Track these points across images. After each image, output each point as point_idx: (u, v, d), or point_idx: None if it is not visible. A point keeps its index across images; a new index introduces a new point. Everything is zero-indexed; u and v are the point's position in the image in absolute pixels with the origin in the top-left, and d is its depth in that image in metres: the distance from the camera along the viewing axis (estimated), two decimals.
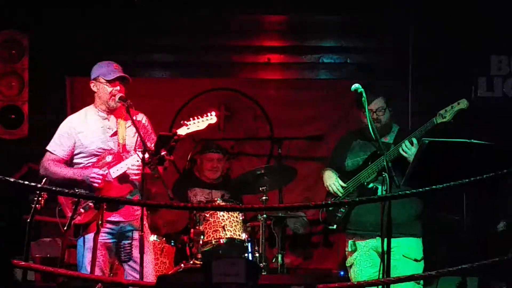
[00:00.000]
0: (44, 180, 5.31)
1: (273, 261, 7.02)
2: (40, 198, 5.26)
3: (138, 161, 5.35)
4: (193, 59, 8.42)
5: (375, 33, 8.17)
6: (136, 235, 5.50)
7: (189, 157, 7.70)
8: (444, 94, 7.32)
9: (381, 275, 4.91)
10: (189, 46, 8.34)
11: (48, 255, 7.26)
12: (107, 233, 5.50)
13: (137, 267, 5.31)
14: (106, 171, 5.44)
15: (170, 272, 6.57)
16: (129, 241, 5.58)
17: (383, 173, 5.04)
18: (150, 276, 5.50)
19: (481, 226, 7.17)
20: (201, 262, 6.37)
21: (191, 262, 6.49)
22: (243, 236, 6.56)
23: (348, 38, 8.38)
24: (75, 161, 5.60)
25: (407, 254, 5.57)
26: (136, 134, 5.56)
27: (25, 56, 7.92)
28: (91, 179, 5.39)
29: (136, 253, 5.45)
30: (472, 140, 4.64)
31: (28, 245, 5.20)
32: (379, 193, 5.50)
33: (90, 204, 5.33)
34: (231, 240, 6.49)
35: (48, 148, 5.61)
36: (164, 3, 8.04)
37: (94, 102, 5.69)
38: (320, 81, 8.58)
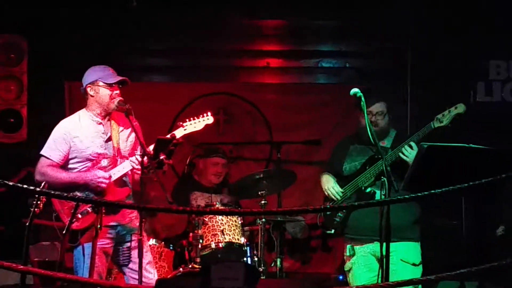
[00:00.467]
0: (43, 184, 5.29)
1: (272, 265, 7.02)
2: (39, 202, 5.23)
3: (137, 159, 5.35)
4: (191, 63, 8.43)
5: (374, 37, 8.16)
6: (133, 237, 5.51)
7: (187, 161, 7.69)
8: (442, 98, 7.33)
9: (379, 280, 4.91)
10: (188, 50, 8.35)
11: (47, 259, 7.24)
12: (106, 238, 5.49)
13: (137, 268, 5.31)
14: (109, 174, 5.44)
15: (169, 276, 6.56)
16: (127, 245, 5.57)
17: (381, 177, 5.04)
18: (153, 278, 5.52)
19: (480, 230, 7.16)
20: (200, 266, 6.36)
21: (190, 266, 6.48)
22: (242, 240, 6.56)
23: (346, 43, 8.38)
24: (69, 166, 5.55)
25: (405, 258, 5.57)
26: (129, 138, 5.62)
27: (24, 60, 7.91)
28: (98, 182, 5.38)
29: (134, 255, 5.45)
30: (471, 145, 4.64)
31: (27, 249, 5.18)
32: (377, 197, 5.50)
33: (88, 209, 5.32)
34: (230, 244, 6.48)
35: (43, 153, 5.54)
36: (162, 7, 8.04)
37: (87, 106, 5.65)
38: (319, 85, 8.60)
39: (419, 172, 4.75)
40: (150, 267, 5.60)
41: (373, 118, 5.61)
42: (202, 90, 8.58)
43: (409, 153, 5.41)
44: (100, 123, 5.60)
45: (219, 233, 6.48)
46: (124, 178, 5.58)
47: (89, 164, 5.52)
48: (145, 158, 5.24)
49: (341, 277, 7.50)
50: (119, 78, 5.56)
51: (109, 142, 5.59)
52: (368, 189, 5.65)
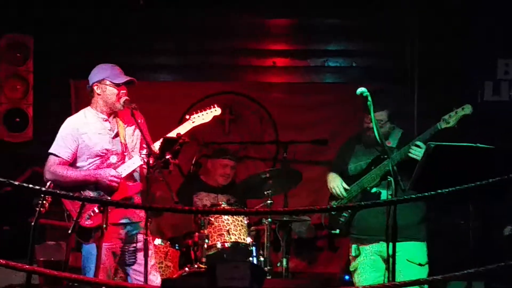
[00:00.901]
0: (48, 184, 5.27)
1: (278, 265, 7.01)
2: (44, 202, 5.22)
3: (144, 154, 5.33)
4: (198, 62, 8.42)
5: (381, 36, 8.15)
6: (140, 238, 5.49)
7: (193, 161, 7.67)
8: (450, 97, 7.31)
9: (385, 280, 4.89)
10: (194, 49, 8.34)
11: (52, 259, 7.23)
12: (116, 238, 5.44)
13: (142, 270, 5.28)
14: (120, 172, 5.42)
15: (174, 276, 6.55)
16: (134, 245, 5.54)
17: (388, 177, 5.02)
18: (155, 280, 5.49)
19: (487, 230, 7.13)
20: (205, 266, 6.36)
21: (196, 266, 6.47)
22: (248, 240, 6.56)
23: (353, 42, 8.38)
24: (78, 163, 5.49)
25: (411, 258, 5.54)
26: (134, 134, 5.59)
27: (30, 59, 7.92)
28: (109, 181, 5.35)
29: (140, 256, 5.43)
30: (478, 144, 4.62)
31: (33, 249, 5.18)
32: (383, 197, 5.47)
33: (95, 209, 5.29)
34: (236, 244, 6.48)
35: (52, 151, 5.47)
36: (169, 6, 8.04)
37: (91, 104, 5.60)
38: (326, 84, 8.57)
39: (426, 171, 4.73)
40: (154, 270, 5.57)
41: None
42: (209, 89, 8.56)
43: (418, 152, 5.37)
44: (106, 120, 5.56)
45: (225, 233, 6.48)
46: (134, 174, 5.55)
47: (98, 161, 5.46)
48: (151, 157, 5.22)
49: (347, 277, 7.48)
50: (127, 78, 5.52)
51: (117, 138, 5.54)
52: (374, 190, 5.63)
